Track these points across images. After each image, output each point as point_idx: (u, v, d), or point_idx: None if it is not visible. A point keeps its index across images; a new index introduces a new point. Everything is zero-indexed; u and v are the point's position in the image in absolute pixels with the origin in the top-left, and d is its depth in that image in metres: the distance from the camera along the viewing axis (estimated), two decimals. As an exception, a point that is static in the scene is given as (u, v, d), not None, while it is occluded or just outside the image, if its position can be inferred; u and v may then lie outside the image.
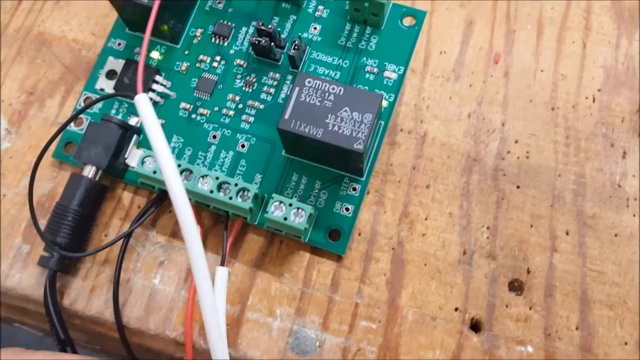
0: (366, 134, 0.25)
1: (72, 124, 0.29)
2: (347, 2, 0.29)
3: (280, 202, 0.25)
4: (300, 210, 0.25)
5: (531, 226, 0.27)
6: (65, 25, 0.32)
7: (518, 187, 0.28)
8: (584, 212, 0.27)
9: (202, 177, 0.26)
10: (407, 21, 0.29)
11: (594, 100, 0.29)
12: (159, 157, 0.21)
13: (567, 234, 0.27)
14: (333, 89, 0.25)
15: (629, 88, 0.29)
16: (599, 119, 0.29)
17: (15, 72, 0.31)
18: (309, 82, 0.26)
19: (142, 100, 0.22)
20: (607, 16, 0.31)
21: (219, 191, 0.26)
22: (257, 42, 0.28)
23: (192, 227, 0.21)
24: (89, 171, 0.27)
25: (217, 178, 0.26)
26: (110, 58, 0.29)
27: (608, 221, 0.27)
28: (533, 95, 0.29)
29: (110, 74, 0.29)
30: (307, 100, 0.25)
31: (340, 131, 0.25)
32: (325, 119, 0.25)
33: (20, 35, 0.32)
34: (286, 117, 0.25)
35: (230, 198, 0.25)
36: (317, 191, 0.27)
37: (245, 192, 0.25)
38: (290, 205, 0.25)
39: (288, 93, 0.29)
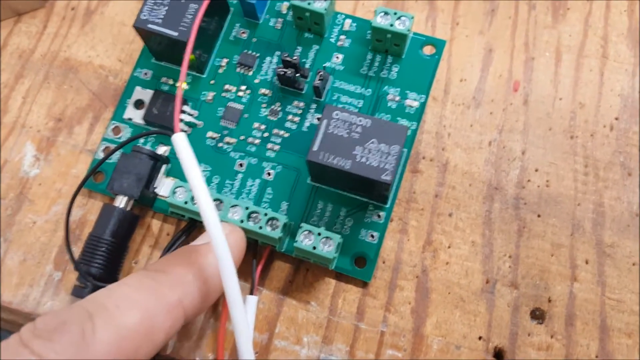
0: (393, 165, 0.25)
1: (100, 153, 0.29)
2: (369, 32, 0.30)
3: (309, 231, 0.26)
4: (328, 239, 0.26)
5: (552, 255, 0.28)
6: (92, 50, 0.33)
7: (539, 215, 0.28)
8: (603, 241, 0.28)
9: (232, 206, 0.26)
10: (428, 50, 0.30)
11: (611, 129, 0.30)
12: (198, 197, 0.22)
13: (586, 262, 0.28)
14: (360, 120, 0.26)
15: (647, 116, 0.30)
16: (617, 148, 0.29)
17: (43, 98, 0.32)
18: (337, 114, 0.26)
19: (180, 140, 0.23)
20: (623, 44, 0.32)
21: (248, 220, 0.26)
22: (282, 73, 0.29)
23: (230, 267, 0.22)
24: (121, 201, 0.27)
25: (247, 208, 0.26)
26: (138, 88, 0.30)
27: (626, 250, 0.28)
28: (552, 124, 0.30)
29: (138, 104, 0.30)
30: (335, 132, 0.26)
31: (368, 162, 0.25)
32: (353, 150, 0.26)
33: (47, 60, 0.32)
34: (315, 148, 0.26)
35: (260, 227, 0.26)
36: (342, 218, 0.28)
37: (275, 221, 0.26)
38: (319, 234, 0.26)
39: (312, 121, 0.29)
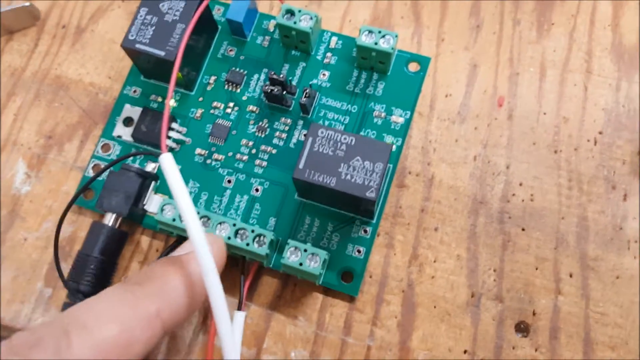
0: (378, 183, 0.26)
1: (89, 170, 0.30)
2: (355, 49, 0.30)
3: (296, 247, 0.26)
4: (315, 255, 0.26)
5: (536, 269, 0.28)
6: (82, 68, 0.33)
7: (523, 229, 0.29)
8: (587, 254, 0.28)
9: (220, 223, 0.27)
10: (413, 67, 0.31)
11: (595, 143, 0.30)
12: (185, 218, 0.22)
13: (570, 276, 0.28)
14: (345, 138, 0.26)
15: (630, 130, 0.30)
16: (601, 162, 0.30)
17: (34, 115, 0.32)
18: (322, 132, 0.27)
19: (167, 161, 0.23)
20: (607, 59, 0.32)
21: (236, 237, 0.27)
22: (270, 91, 0.29)
23: (217, 284, 0.22)
24: (110, 219, 0.28)
25: (234, 225, 0.27)
26: (127, 105, 0.30)
27: (610, 263, 0.28)
28: (536, 138, 0.30)
29: (127, 121, 0.30)
30: (320, 150, 0.26)
31: (352, 180, 0.26)
32: (338, 168, 0.26)
33: (38, 78, 0.33)
34: (300, 166, 0.26)
35: (248, 244, 0.26)
36: (329, 233, 0.28)
37: (262, 238, 0.26)
38: (306, 250, 0.26)
39: (300, 138, 0.30)
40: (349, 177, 0.26)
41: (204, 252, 0.22)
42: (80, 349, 0.19)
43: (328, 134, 0.27)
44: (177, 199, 0.23)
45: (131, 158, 0.30)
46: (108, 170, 0.28)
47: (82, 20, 0.34)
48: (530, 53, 0.32)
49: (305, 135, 0.29)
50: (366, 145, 0.26)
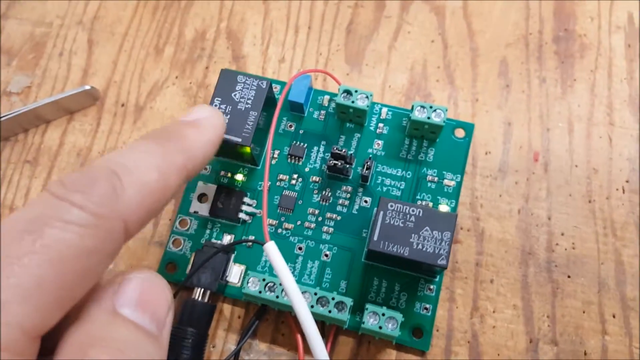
0: (447, 250, 0.29)
1: (171, 245, 0.32)
2: (405, 119, 0.33)
3: (374, 312, 0.29)
4: (392, 318, 0.29)
5: (583, 312, 0.31)
6: (145, 146, 0.35)
7: (569, 276, 0.32)
8: (626, 295, 0.32)
9: (302, 293, 0.29)
10: (459, 133, 0.34)
11: (624, 192, 0.34)
12: (293, 300, 0.25)
13: (614, 316, 0.31)
14: (413, 210, 0.29)
15: (653, 178, 0.34)
16: (630, 209, 0.33)
17: (106, 194, 0.34)
18: (391, 205, 0.29)
19: (272, 249, 0.26)
20: (626, 111, 0.35)
21: (317, 304, 0.29)
22: (333, 165, 0.32)
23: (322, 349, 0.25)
24: (199, 293, 0.30)
25: (315, 294, 0.29)
26: (200, 183, 0.33)
27: (648, 303, 0.31)
28: (571, 190, 0.34)
29: (201, 197, 0.33)
30: (391, 222, 0.29)
31: (424, 249, 0.29)
32: (409, 238, 0.29)
33: (104, 157, 0.35)
34: (375, 238, 0.29)
35: (330, 311, 0.29)
36: (397, 293, 0.31)
37: (342, 304, 0.29)
38: (383, 315, 0.29)
39: (361, 204, 0.32)
40: (420, 246, 0.29)
41: (315, 338, 0.25)
42: (131, 190, 0.19)
43: (397, 207, 0.29)
44: (284, 283, 0.25)
45: (208, 232, 0.32)
46: (195, 252, 0.31)
47: (139, 98, 0.36)
48: (557, 109, 0.36)
49: (366, 201, 0.32)
50: (433, 216, 0.29)
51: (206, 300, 0.30)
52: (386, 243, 0.29)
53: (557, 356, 0.31)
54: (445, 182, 0.33)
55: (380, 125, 0.34)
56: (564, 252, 0.32)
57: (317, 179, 0.33)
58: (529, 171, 0.34)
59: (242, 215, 0.32)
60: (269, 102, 0.33)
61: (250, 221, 0.32)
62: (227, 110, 0.30)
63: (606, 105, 0.36)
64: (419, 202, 0.32)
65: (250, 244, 0.32)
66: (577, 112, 0.35)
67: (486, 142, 0.35)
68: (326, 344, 0.30)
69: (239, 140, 0.30)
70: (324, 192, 0.33)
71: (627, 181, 0.34)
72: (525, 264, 0.32)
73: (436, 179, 0.33)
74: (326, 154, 0.33)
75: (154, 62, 0.37)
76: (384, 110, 0.34)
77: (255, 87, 0.31)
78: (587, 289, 0.32)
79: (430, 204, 0.32)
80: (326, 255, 0.32)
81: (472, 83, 0.36)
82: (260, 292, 0.29)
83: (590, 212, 0.33)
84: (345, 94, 0.32)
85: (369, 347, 0.31)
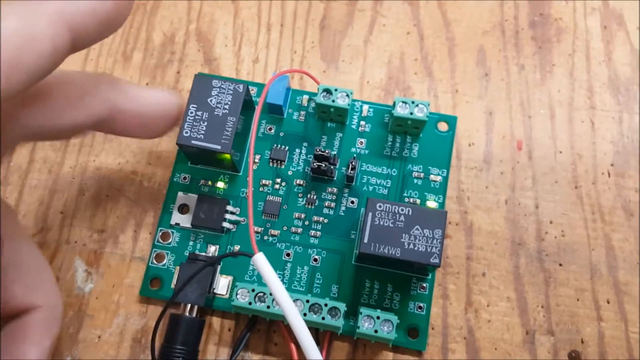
0: (439, 249, 0.28)
1: (154, 260, 0.31)
2: (387, 115, 0.33)
3: (369, 315, 0.28)
4: (387, 321, 0.28)
5: (577, 300, 0.31)
6: (120, 157, 0.34)
7: (560, 264, 0.32)
8: (619, 280, 0.31)
9: (294, 301, 0.28)
10: (442, 127, 0.33)
11: (609, 175, 0.33)
12: (286, 312, 0.24)
13: (608, 302, 0.31)
14: (402, 210, 0.29)
15: (638, 160, 0.34)
16: (617, 192, 0.33)
17: (82, 211, 0.33)
18: (380, 206, 0.29)
19: (261, 261, 0.25)
20: (606, 93, 0.35)
21: (310, 312, 0.28)
22: (317, 167, 0.31)
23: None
24: (187, 309, 0.29)
25: (307, 301, 0.28)
26: (180, 193, 0.32)
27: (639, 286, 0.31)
28: (557, 176, 0.33)
29: (182, 208, 0.32)
30: (381, 222, 0.28)
31: (416, 248, 0.28)
32: (400, 238, 0.28)
33: (77, 172, 0.34)
34: (365, 240, 0.28)
35: (323, 318, 0.28)
36: (390, 294, 0.30)
37: (335, 310, 0.28)
38: (378, 318, 0.28)
39: (347, 205, 0.32)
40: (411, 246, 0.28)
41: (310, 347, 0.24)
42: None
43: (386, 207, 0.29)
44: (276, 296, 0.25)
45: (191, 243, 0.31)
46: (180, 265, 0.29)
47: (110, 108, 0.35)
48: (537, 95, 0.35)
49: (352, 202, 0.31)
50: (423, 215, 0.28)
51: (194, 314, 0.29)
52: (377, 245, 0.28)
53: (554, 346, 0.30)
54: (432, 177, 0.32)
55: (362, 123, 0.33)
56: (553, 240, 0.32)
57: (301, 182, 0.32)
58: (513, 160, 0.34)
59: (226, 224, 0.31)
60: (247, 106, 0.32)
61: (234, 229, 0.31)
62: (203, 117, 0.29)
63: (586, 89, 0.35)
64: (406, 200, 0.32)
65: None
66: (557, 97, 0.35)
67: (469, 133, 0.34)
68: (321, 351, 0.29)
69: (219, 147, 0.29)
70: (309, 195, 0.32)
71: (611, 164, 0.34)
72: (516, 254, 0.32)
73: (422, 175, 0.32)
74: (309, 156, 0.32)
75: (123, 70, 0.36)
76: (365, 107, 0.33)
77: (231, 92, 0.30)
78: (579, 276, 0.32)
79: (418, 201, 0.32)
80: (315, 260, 0.31)
81: (450, 74, 0.36)
82: (250, 303, 0.28)
83: (578, 198, 0.33)
84: (325, 93, 0.31)
85: (365, 350, 0.30)
